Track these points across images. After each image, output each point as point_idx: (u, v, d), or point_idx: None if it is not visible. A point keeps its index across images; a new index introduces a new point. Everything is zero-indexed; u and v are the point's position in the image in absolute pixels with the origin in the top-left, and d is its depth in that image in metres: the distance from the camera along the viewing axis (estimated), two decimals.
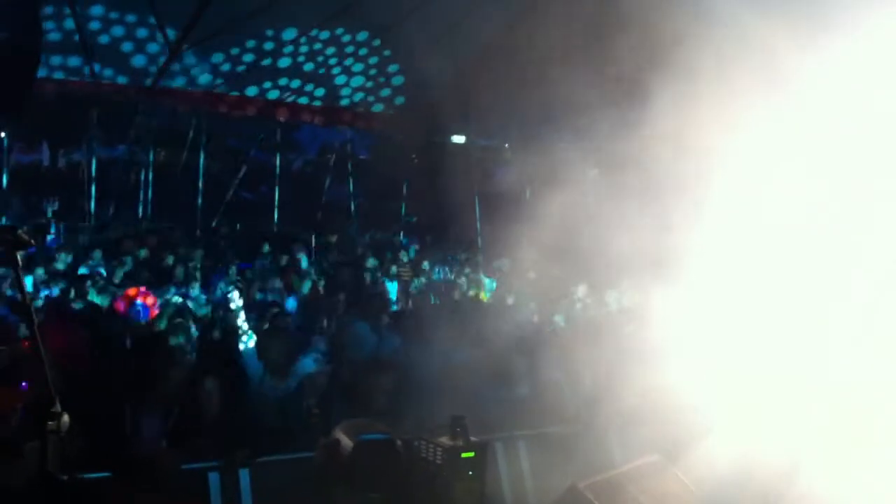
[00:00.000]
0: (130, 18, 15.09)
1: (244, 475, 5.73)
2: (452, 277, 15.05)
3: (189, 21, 14.16)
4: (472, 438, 5.10)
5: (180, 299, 10.64)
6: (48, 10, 13.97)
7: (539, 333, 9.68)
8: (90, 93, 16.10)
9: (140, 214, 18.04)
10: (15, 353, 6.21)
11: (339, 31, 16.19)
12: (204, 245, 16.14)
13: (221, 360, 7.57)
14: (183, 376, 6.64)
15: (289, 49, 16.40)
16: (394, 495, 4.97)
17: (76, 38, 14.92)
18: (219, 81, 16.76)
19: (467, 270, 15.25)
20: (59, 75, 15.48)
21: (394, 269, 14.60)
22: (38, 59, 12.17)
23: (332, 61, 17.02)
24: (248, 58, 16.28)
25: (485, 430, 5.72)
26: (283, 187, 19.73)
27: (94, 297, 10.47)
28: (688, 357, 5.67)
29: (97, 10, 14.75)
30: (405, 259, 15.93)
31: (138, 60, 15.82)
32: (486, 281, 14.20)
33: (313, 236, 17.60)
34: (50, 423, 3.04)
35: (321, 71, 17.24)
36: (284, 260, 14.27)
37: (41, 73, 13.36)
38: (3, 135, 16.59)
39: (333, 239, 17.72)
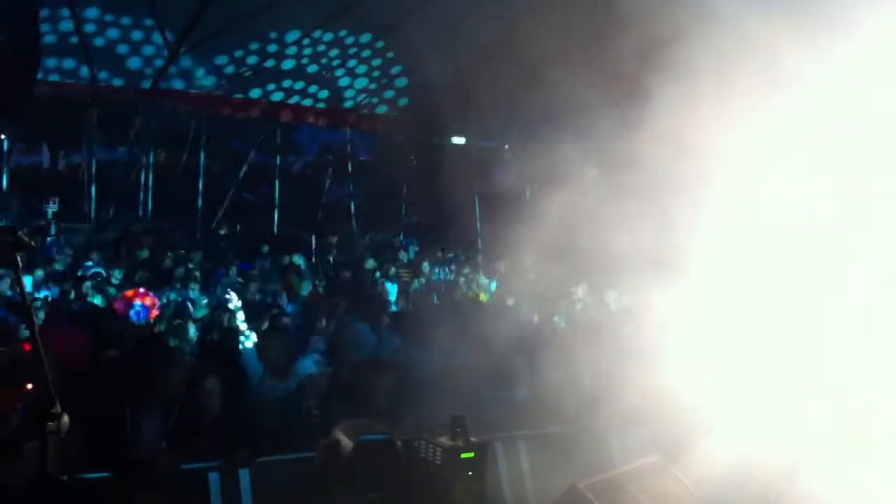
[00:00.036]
0: (130, 20, 15.08)
1: (244, 475, 5.74)
2: (452, 278, 15.05)
3: (189, 22, 14.16)
4: (472, 439, 5.10)
5: (180, 300, 10.66)
6: (48, 12, 13.97)
7: (539, 334, 9.68)
8: (90, 94, 16.08)
9: (140, 216, 18.02)
10: (15, 355, 6.21)
11: (343, 32, 16.19)
12: (204, 246, 16.13)
13: (221, 360, 7.57)
14: (183, 377, 6.64)
15: (292, 51, 16.39)
16: (393, 496, 4.97)
17: (76, 40, 14.91)
18: (219, 83, 16.74)
19: (467, 271, 15.25)
20: (59, 77, 15.46)
21: (393, 269, 14.60)
22: (38, 60, 12.16)
23: (336, 63, 17.02)
24: (252, 60, 16.28)
25: (485, 430, 5.72)
26: (283, 188, 19.72)
27: (94, 298, 10.48)
28: (688, 357, 5.67)
29: (97, 12, 14.74)
30: (405, 260, 15.94)
31: (138, 62, 15.81)
32: (486, 281, 14.19)
33: (313, 237, 17.60)
34: (50, 423, 3.04)
35: (325, 73, 17.24)
36: (285, 261, 14.26)
37: (41, 75, 13.34)
38: (3, 136, 16.58)
39: (333, 240, 17.71)
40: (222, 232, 17.85)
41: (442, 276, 15.19)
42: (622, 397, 6.39)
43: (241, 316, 7.96)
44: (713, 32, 5.43)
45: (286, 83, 17.28)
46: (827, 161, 5.17)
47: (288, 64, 16.75)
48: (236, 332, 8.76)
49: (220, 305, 9.84)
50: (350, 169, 20.66)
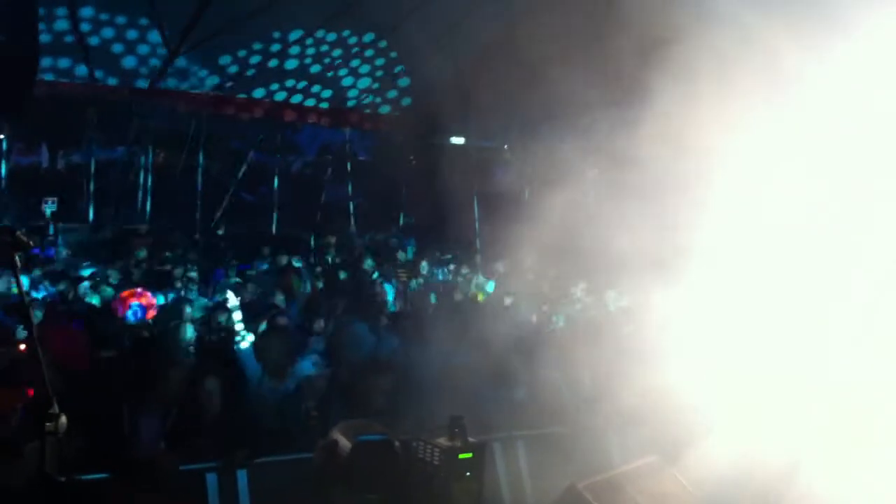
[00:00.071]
0: (131, 20, 15.07)
1: (242, 476, 5.73)
2: (451, 278, 15.04)
3: (189, 22, 14.15)
4: (471, 439, 5.10)
5: (178, 300, 10.63)
6: (46, 11, 13.95)
7: (538, 334, 9.68)
8: (88, 94, 16.07)
9: (139, 215, 18.00)
10: (13, 355, 6.20)
11: (346, 32, 16.19)
12: (203, 246, 16.10)
13: (220, 360, 7.56)
14: (181, 377, 6.62)
15: (295, 50, 16.39)
16: (392, 496, 4.97)
17: (75, 39, 14.89)
18: (218, 82, 16.73)
19: (466, 271, 15.23)
20: (57, 77, 15.45)
21: (392, 269, 14.58)
22: (37, 61, 12.16)
23: (339, 63, 17.01)
24: (255, 59, 16.28)
25: (483, 430, 5.72)
26: (283, 188, 19.71)
27: (91, 299, 10.47)
28: (687, 357, 5.66)
29: (96, 11, 14.72)
30: (403, 260, 15.92)
31: (137, 62, 15.80)
32: (485, 282, 14.17)
33: (312, 237, 17.57)
34: (48, 424, 3.03)
35: (329, 73, 17.24)
36: (283, 261, 14.24)
37: (40, 75, 13.33)
38: (2, 136, 16.56)
39: (332, 240, 17.70)
40: (221, 232, 17.84)
41: (440, 277, 15.17)
42: (621, 397, 6.39)
43: (237, 316, 7.93)
44: (713, 32, 5.43)
45: (289, 83, 17.29)
46: (827, 161, 5.16)
47: (291, 63, 16.75)
48: (233, 332, 8.74)
49: (218, 306, 9.82)
50: (349, 169, 20.65)
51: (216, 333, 8.90)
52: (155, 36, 15.19)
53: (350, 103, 18.30)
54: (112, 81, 16.02)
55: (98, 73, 15.67)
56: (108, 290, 10.88)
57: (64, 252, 13.97)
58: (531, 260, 11.46)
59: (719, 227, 5.59)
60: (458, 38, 14.44)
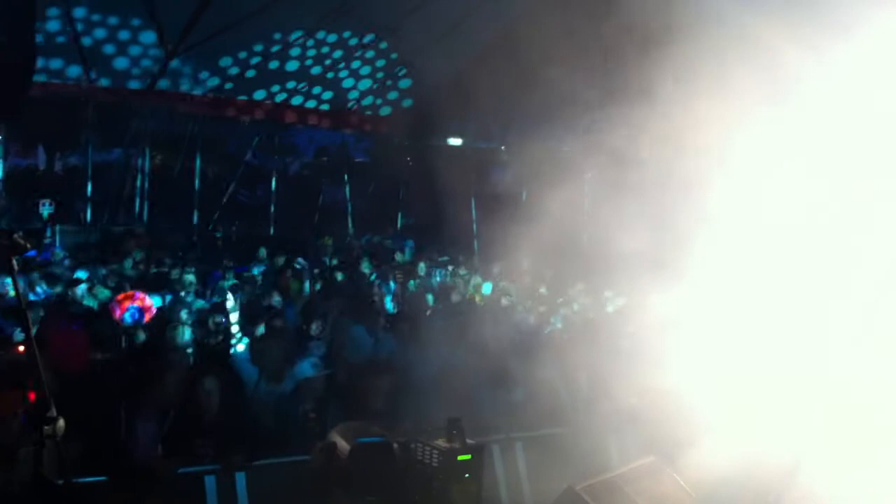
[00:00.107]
0: (129, 21, 15.05)
1: (240, 478, 5.71)
2: (449, 279, 15.02)
3: (187, 23, 14.13)
4: (469, 441, 5.08)
5: (175, 303, 10.60)
6: (44, 13, 13.93)
7: (536, 335, 9.67)
8: (86, 96, 16.04)
9: (136, 217, 17.96)
10: (11, 358, 6.17)
11: (347, 34, 16.18)
12: (200, 248, 16.06)
13: (217, 363, 7.54)
14: (178, 379, 6.60)
15: (296, 52, 16.38)
16: (390, 498, 4.95)
17: (72, 41, 14.87)
18: (219, 84, 16.72)
19: (464, 272, 15.22)
20: (54, 79, 15.42)
21: (390, 271, 14.56)
22: (34, 62, 12.12)
23: (340, 64, 17.00)
24: (255, 61, 16.27)
25: (482, 432, 5.70)
26: (280, 190, 19.69)
27: (88, 301, 10.43)
28: (686, 357, 5.66)
29: (94, 13, 14.71)
30: (401, 261, 15.90)
31: (134, 63, 15.77)
32: (483, 283, 14.16)
33: (310, 239, 17.55)
34: (46, 427, 3.01)
35: (329, 75, 17.23)
36: (281, 262, 14.21)
37: (37, 76, 13.30)
38: None
39: (330, 241, 17.68)
40: (218, 234, 17.81)
41: (438, 278, 15.16)
42: (619, 398, 6.38)
43: (234, 317, 7.91)
44: (713, 32, 5.42)
45: (290, 84, 17.28)
46: (827, 161, 5.16)
47: (292, 65, 16.75)
48: (230, 335, 8.72)
49: (215, 307, 9.79)
50: (347, 171, 20.64)
51: (213, 335, 8.88)
52: (154, 38, 15.17)
53: (351, 105, 18.29)
54: (108, 83, 16.00)
55: (92, 74, 15.63)
56: (105, 293, 10.84)
57: (61, 254, 13.89)
58: (529, 261, 11.46)
59: (719, 226, 5.59)
60: (457, 39, 14.45)
